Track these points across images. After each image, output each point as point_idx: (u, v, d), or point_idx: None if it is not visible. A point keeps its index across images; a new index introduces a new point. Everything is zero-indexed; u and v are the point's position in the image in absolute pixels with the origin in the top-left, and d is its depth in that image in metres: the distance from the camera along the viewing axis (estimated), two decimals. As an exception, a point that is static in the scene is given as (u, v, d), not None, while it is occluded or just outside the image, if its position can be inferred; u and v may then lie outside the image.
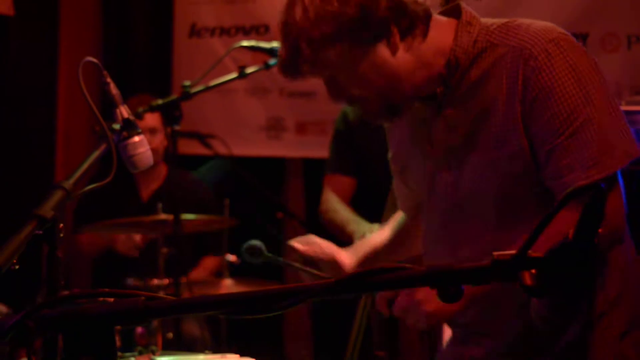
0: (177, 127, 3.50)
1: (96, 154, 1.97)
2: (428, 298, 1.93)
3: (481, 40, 2.01)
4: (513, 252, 1.17)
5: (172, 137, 3.54)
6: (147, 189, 4.69)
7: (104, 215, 4.27)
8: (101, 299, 1.32)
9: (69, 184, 1.82)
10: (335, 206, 3.80)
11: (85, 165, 1.91)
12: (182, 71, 5.33)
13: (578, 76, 1.91)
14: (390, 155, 2.36)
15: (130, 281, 4.15)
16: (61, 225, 1.76)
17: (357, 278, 1.21)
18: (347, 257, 2.41)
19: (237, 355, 2.40)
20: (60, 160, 5.43)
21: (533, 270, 1.18)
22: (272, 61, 3.62)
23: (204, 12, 5.35)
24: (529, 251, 1.17)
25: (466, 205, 2.07)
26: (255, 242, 2.85)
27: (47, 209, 1.72)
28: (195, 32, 5.39)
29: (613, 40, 4.24)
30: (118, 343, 3.79)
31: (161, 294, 3.83)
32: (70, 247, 4.90)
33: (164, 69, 5.50)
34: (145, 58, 5.67)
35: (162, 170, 4.69)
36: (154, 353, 2.50)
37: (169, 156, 4.71)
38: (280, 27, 1.97)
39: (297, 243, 2.46)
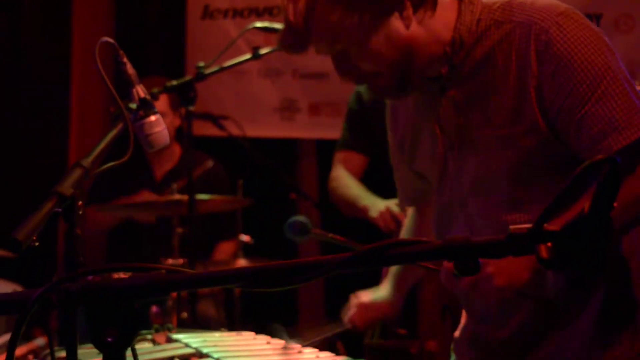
0: (191, 108, 3.52)
1: (114, 132, 1.97)
2: (498, 271, 1.89)
3: (484, 18, 2.01)
4: (529, 225, 1.18)
5: (187, 118, 3.56)
6: (161, 169, 4.72)
7: (118, 195, 4.31)
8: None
9: (87, 162, 1.83)
10: (347, 182, 3.81)
11: (102, 144, 1.91)
12: (196, 53, 5.32)
13: (593, 43, 1.91)
14: (393, 143, 2.35)
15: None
16: (80, 202, 1.78)
17: (376, 251, 1.23)
18: (391, 304, 2.53)
19: (253, 333, 2.43)
20: (74, 142, 5.45)
21: (549, 244, 1.20)
22: None
23: (216, -7, 5.38)
24: (545, 224, 1.19)
25: (479, 185, 2.05)
26: (301, 218, 2.74)
27: (67, 187, 1.73)
28: (208, 13, 5.38)
29: (628, 20, 4.23)
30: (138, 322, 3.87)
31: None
32: (84, 224, 4.94)
33: (178, 51, 5.51)
34: (158, 40, 5.68)
35: (176, 150, 4.72)
36: (170, 330, 2.51)
37: (183, 137, 4.75)
38: None
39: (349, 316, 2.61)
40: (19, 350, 3.56)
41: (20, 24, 5.10)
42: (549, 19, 1.91)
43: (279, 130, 5.24)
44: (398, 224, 3.47)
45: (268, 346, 2.31)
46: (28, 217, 1.64)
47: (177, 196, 3.91)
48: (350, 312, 2.63)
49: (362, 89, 3.94)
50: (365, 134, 3.88)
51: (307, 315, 5.35)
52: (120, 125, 2.02)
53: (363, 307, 2.61)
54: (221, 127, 4.57)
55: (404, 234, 2.54)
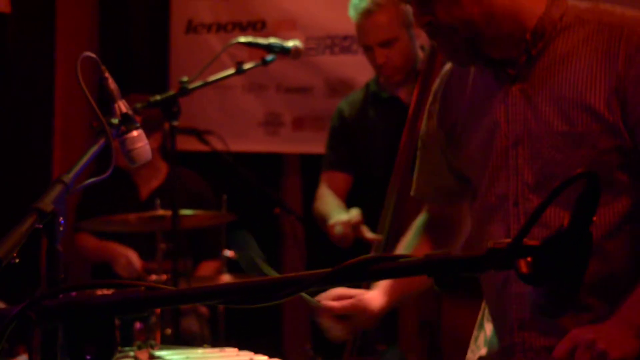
0: (175, 123, 3.50)
1: (95, 148, 1.97)
2: (612, 344, 1.84)
3: (570, 15, 2.01)
4: (508, 240, 1.18)
5: (171, 133, 3.55)
6: (147, 188, 4.72)
7: (103, 213, 4.30)
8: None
9: (68, 178, 1.83)
10: (326, 200, 3.82)
11: (84, 160, 1.91)
12: (179, 67, 5.32)
13: None
14: (435, 130, 2.27)
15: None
16: (61, 218, 1.78)
17: (356, 267, 1.22)
18: (376, 300, 2.28)
19: (236, 349, 2.42)
20: (57, 157, 5.43)
21: (529, 259, 1.21)
22: (269, 57, 3.65)
23: (200, 8, 5.37)
24: (525, 239, 1.19)
25: (546, 183, 2.01)
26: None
27: (47, 203, 1.72)
28: (192, 28, 5.39)
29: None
30: (118, 338, 3.84)
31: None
32: (71, 246, 4.93)
33: (161, 65, 5.52)
34: (142, 54, 5.68)
35: (163, 168, 4.71)
36: (152, 347, 2.51)
37: (169, 154, 4.75)
38: None
39: (328, 301, 2.26)
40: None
41: (4, 38, 5.08)
42: None
43: (263, 144, 5.24)
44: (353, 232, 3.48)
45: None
46: (7, 234, 1.64)
47: (161, 212, 3.90)
48: (328, 294, 2.29)
49: (344, 104, 3.97)
50: (347, 151, 3.89)
51: (291, 331, 5.35)
52: (101, 141, 2.02)
53: (346, 295, 2.27)
54: (205, 142, 4.58)
55: (410, 236, 2.45)
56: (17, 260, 1.72)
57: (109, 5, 5.66)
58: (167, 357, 2.30)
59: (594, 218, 1.19)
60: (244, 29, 5.19)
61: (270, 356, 2.25)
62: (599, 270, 1.95)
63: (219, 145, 4.47)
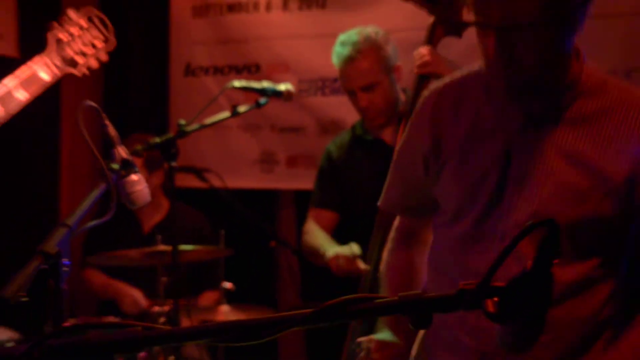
0: (174, 163, 3.53)
1: (96, 192, 2.03)
2: None
3: (593, 80, 2.01)
4: (476, 281, 1.23)
5: (170, 173, 3.57)
6: (149, 223, 4.75)
7: (108, 248, 4.33)
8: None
9: (71, 221, 1.88)
10: (315, 234, 3.85)
11: (86, 204, 1.97)
12: (179, 108, 5.37)
13: None
14: (436, 149, 2.18)
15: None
16: (65, 259, 1.82)
17: (335, 307, 1.26)
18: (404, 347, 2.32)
19: None
20: (65, 196, 5.47)
21: (495, 298, 1.25)
22: (262, 100, 3.69)
23: (198, 52, 5.39)
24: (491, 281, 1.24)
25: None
26: None
27: (51, 245, 1.78)
28: (190, 71, 5.42)
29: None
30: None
31: (162, 319, 3.87)
32: (79, 281, 4.96)
33: (162, 106, 5.54)
34: (143, 96, 5.70)
35: (164, 204, 4.75)
36: None
37: (169, 191, 4.79)
38: None
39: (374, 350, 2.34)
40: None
41: None
42: None
43: (258, 181, 5.24)
44: (352, 266, 3.51)
45: None
46: (15, 275, 1.69)
47: (162, 247, 3.92)
48: (366, 344, 2.37)
49: (332, 147, 4.00)
50: (334, 190, 3.92)
51: (287, 356, 5.36)
52: (103, 185, 2.07)
53: (380, 344, 2.35)
54: (203, 179, 4.56)
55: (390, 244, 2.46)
56: (25, 299, 1.77)
57: (111, 51, 5.70)
58: None
59: (555, 261, 1.24)
60: (239, 71, 5.22)
61: None
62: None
63: (216, 183, 4.44)
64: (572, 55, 2.00)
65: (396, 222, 2.43)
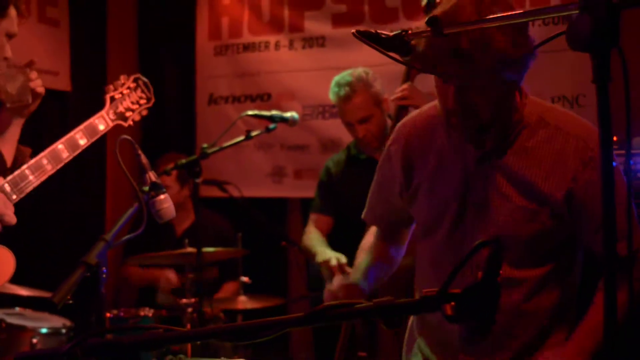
0: (197, 180, 3.55)
1: (130, 211, 2.05)
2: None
3: (535, 113, 2.00)
4: (437, 289, 1.25)
5: (194, 188, 3.60)
6: (181, 227, 4.79)
7: (147, 248, 4.36)
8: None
9: (109, 236, 1.91)
10: (312, 235, 3.84)
11: (121, 221, 1.99)
12: (204, 131, 5.40)
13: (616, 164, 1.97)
14: (407, 179, 2.17)
15: (161, 297, 4.22)
16: (104, 268, 1.84)
17: (321, 312, 1.29)
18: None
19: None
20: (109, 215, 5.47)
21: (453, 303, 1.27)
22: (271, 126, 3.73)
23: (219, 84, 5.41)
24: (449, 289, 1.26)
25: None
26: None
27: (92, 257, 1.81)
28: (212, 100, 5.44)
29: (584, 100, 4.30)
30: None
31: (189, 310, 3.88)
32: (120, 275, 4.98)
33: (190, 130, 5.56)
34: (175, 122, 5.72)
35: (192, 212, 4.78)
36: (182, 358, 2.54)
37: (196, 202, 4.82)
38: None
39: (335, 289, 2.33)
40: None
41: (66, 114, 5.11)
42: (594, 139, 1.91)
43: (270, 191, 5.25)
44: (342, 271, 3.50)
45: None
46: (62, 283, 1.72)
47: (189, 249, 3.95)
48: (334, 285, 2.36)
49: (330, 163, 4.01)
50: (331, 200, 3.92)
51: (298, 342, 5.36)
52: (136, 205, 2.09)
53: (345, 285, 2.33)
54: (224, 190, 4.59)
55: (364, 250, 2.44)
56: (71, 302, 1.80)
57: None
58: None
59: (501, 272, 1.26)
60: (253, 100, 5.23)
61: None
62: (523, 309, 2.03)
63: (235, 193, 4.47)
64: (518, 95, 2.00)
65: (372, 235, 2.45)
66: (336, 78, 3.74)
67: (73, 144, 2.69)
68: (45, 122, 4.93)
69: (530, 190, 1.97)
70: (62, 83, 5.16)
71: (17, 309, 3.98)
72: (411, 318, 2.23)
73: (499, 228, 1.99)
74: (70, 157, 2.68)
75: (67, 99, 5.15)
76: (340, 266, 3.42)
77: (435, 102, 2.08)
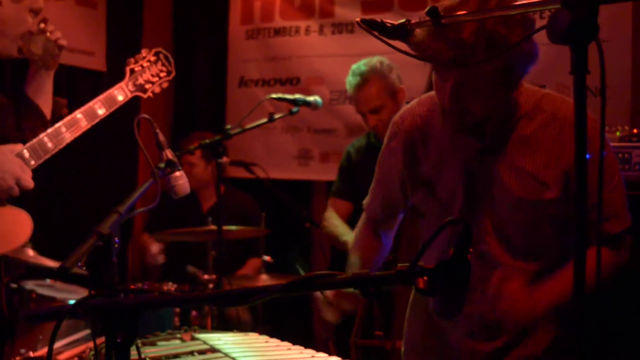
0: (219, 160, 3.61)
1: (145, 185, 2.11)
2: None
3: (530, 101, 2.02)
4: (408, 264, 1.32)
5: (217, 167, 3.65)
6: (207, 204, 4.90)
7: (173, 224, 4.47)
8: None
9: (122, 208, 1.98)
10: (334, 222, 3.87)
11: (136, 194, 2.05)
12: (234, 112, 5.48)
13: (609, 144, 2.06)
14: (410, 173, 2.19)
15: (190, 269, 4.33)
16: (116, 238, 1.94)
17: (305, 281, 1.37)
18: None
19: (257, 334, 2.39)
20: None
21: (425, 277, 1.35)
22: (294, 109, 3.74)
23: (250, 67, 5.49)
24: (422, 263, 1.33)
25: (499, 231, 2.04)
26: None
27: (105, 227, 1.88)
28: (243, 83, 5.53)
29: (564, 89, 4.33)
30: (178, 322, 4.00)
31: (210, 285, 3.98)
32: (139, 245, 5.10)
33: (220, 110, 5.63)
34: (206, 102, 5.80)
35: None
36: (195, 331, 2.58)
37: (223, 179, 4.90)
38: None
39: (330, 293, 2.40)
40: (67, 354, 3.67)
41: (100, 92, 5.22)
42: (589, 119, 1.90)
43: (297, 173, 5.32)
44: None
45: (267, 344, 2.32)
46: (75, 250, 1.82)
47: (212, 227, 4.03)
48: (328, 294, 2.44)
49: (351, 148, 4.03)
50: (351, 185, 3.92)
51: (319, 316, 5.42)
52: (150, 180, 2.17)
53: (339, 293, 2.42)
54: (251, 172, 4.62)
55: (354, 249, 2.47)
56: (84, 268, 1.90)
57: (182, 66, 5.77)
58: (204, 339, 2.32)
59: (470, 249, 1.33)
60: (283, 84, 5.31)
61: (298, 338, 2.33)
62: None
63: (262, 174, 4.51)
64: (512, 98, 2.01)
65: (362, 225, 2.46)
66: (353, 67, 3.77)
67: (92, 114, 2.79)
68: (80, 101, 5.03)
69: (531, 180, 2.01)
70: (98, 63, 5.30)
71: (48, 280, 4.10)
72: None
73: (501, 218, 2.03)
74: (89, 126, 2.78)
75: (102, 79, 5.27)
76: None
77: (433, 93, 2.11)
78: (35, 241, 3.99)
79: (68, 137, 2.72)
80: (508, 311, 1.96)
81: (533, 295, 1.98)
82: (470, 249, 1.32)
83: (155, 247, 4.65)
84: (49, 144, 2.68)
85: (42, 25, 2.79)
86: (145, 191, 2.13)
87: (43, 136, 2.68)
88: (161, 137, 2.28)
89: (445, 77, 1.93)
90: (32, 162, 2.64)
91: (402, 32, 1.89)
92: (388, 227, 2.42)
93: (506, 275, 2.00)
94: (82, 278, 1.93)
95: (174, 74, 3.01)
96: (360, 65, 3.75)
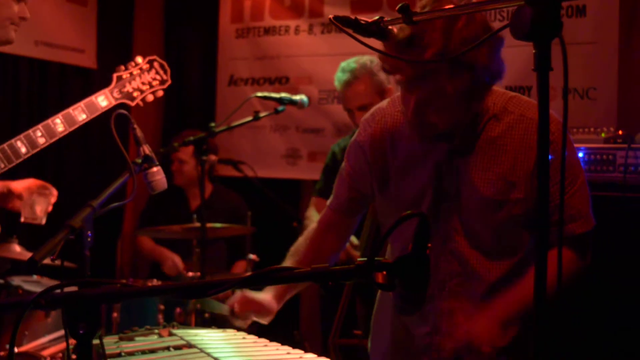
0: (204, 157, 3.58)
1: (120, 180, 2.11)
2: (482, 340, 1.96)
3: (498, 104, 2.02)
4: (366, 259, 1.32)
5: (201, 164, 3.63)
6: (195, 201, 4.89)
7: (162, 221, 4.46)
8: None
9: (96, 202, 1.99)
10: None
11: (110, 189, 2.05)
12: (223, 111, 5.48)
13: (572, 145, 2.05)
14: (377, 172, 2.18)
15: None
16: (89, 232, 1.93)
17: (264, 274, 1.38)
18: (269, 303, 2.31)
19: (235, 330, 2.40)
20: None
21: (384, 272, 1.35)
22: (280, 107, 3.69)
23: (240, 66, 5.49)
24: (380, 258, 1.33)
25: (465, 230, 2.04)
26: None
27: (77, 221, 1.89)
28: (233, 81, 5.53)
29: (551, 91, 4.33)
30: (161, 320, 3.99)
31: (195, 283, 3.96)
32: (135, 246, 5.10)
33: (210, 109, 5.63)
34: (197, 101, 5.80)
35: (208, 187, 4.88)
36: (173, 327, 2.57)
37: (212, 178, 4.92)
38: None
39: (236, 304, 2.31)
40: (52, 350, 3.66)
41: (91, 91, 5.17)
42: (554, 123, 1.94)
43: (285, 172, 5.32)
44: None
45: (244, 340, 2.32)
46: (45, 243, 1.82)
47: (197, 224, 4.04)
48: (233, 298, 2.33)
49: (336, 148, 4.02)
50: None
51: (306, 316, 5.45)
52: (126, 175, 2.16)
53: (245, 298, 2.31)
54: (239, 170, 4.64)
55: (307, 238, 2.43)
56: (57, 262, 1.90)
57: (172, 64, 5.75)
58: (181, 334, 2.31)
59: (429, 244, 1.33)
60: (272, 83, 5.32)
61: (287, 335, 2.32)
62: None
63: (250, 173, 4.52)
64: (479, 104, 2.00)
65: (322, 215, 2.42)
66: (342, 64, 3.77)
67: (70, 119, 2.74)
68: (70, 98, 5.05)
69: (499, 180, 2.02)
70: (88, 61, 5.31)
71: (35, 276, 4.11)
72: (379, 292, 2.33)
73: (469, 217, 2.04)
74: (66, 132, 2.74)
75: (93, 77, 5.28)
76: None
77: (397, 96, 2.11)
78: (22, 237, 4.02)
79: (42, 142, 2.68)
80: (470, 342, 1.98)
81: (487, 314, 2.00)
82: (429, 244, 1.32)
83: (177, 259, 4.63)
84: (22, 149, 2.65)
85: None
86: (120, 186, 2.13)
87: (16, 140, 2.65)
88: (139, 133, 2.27)
89: (408, 92, 1.95)
90: (2, 165, 2.61)
91: (375, 30, 1.90)
92: (348, 229, 2.39)
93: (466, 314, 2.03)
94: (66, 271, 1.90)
95: (169, 82, 2.95)
96: (350, 62, 3.75)
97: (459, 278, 2.09)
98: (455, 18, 1.84)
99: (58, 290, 1.41)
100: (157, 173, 2.24)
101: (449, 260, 2.08)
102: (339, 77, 3.75)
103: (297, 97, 3.76)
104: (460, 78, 1.86)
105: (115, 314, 3.96)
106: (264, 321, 2.33)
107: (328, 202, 2.40)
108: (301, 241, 2.42)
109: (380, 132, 2.17)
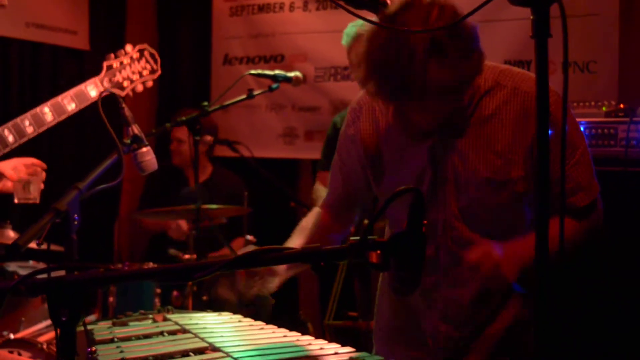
0: (197, 137, 3.54)
1: (107, 162, 2.04)
2: (508, 270, 1.91)
3: (490, 79, 1.96)
4: (358, 238, 1.28)
5: (194, 144, 3.58)
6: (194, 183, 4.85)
7: (162, 200, 4.42)
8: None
9: (82, 184, 1.92)
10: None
11: (97, 171, 1.98)
12: (218, 91, 5.42)
13: (573, 117, 1.98)
14: (372, 162, 2.12)
15: (172, 251, 4.28)
16: (75, 215, 1.87)
17: (253, 255, 1.33)
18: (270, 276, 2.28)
19: (230, 313, 2.38)
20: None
21: (378, 251, 1.30)
22: (274, 85, 3.63)
23: (234, 45, 5.45)
24: (374, 237, 1.28)
25: (465, 215, 1.99)
26: None
27: (62, 204, 1.81)
28: (227, 60, 5.49)
29: (550, 65, 4.27)
30: (158, 303, 3.95)
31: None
32: (135, 225, 5.07)
33: (205, 87, 5.60)
34: (191, 80, 5.77)
35: (208, 168, 4.86)
36: (167, 311, 2.54)
37: (213, 158, 4.87)
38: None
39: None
40: (48, 336, 3.63)
41: (83, 72, 5.13)
42: (551, 95, 1.84)
43: (281, 152, 5.30)
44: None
45: (239, 324, 2.28)
46: (30, 227, 1.76)
47: (193, 206, 3.99)
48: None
49: (337, 118, 3.98)
50: None
51: (305, 298, 5.43)
52: (114, 156, 2.10)
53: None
54: (235, 150, 4.59)
55: (310, 227, 2.40)
56: (43, 246, 1.84)
57: (165, 43, 5.78)
58: (175, 319, 2.28)
59: (424, 222, 1.28)
60: (267, 61, 5.27)
61: (284, 319, 2.30)
62: None
63: (246, 153, 4.48)
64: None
65: (318, 217, 2.38)
66: (350, 24, 3.66)
67: (59, 109, 2.68)
68: (63, 79, 5.01)
69: (497, 159, 1.96)
70: (81, 42, 5.25)
71: (31, 262, 4.08)
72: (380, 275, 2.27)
73: (469, 200, 1.98)
74: (55, 122, 2.69)
75: (85, 58, 5.22)
76: None
77: None
78: (17, 223, 3.98)
79: (30, 131, 2.63)
80: (482, 256, 1.92)
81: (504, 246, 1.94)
82: (425, 222, 1.27)
83: (181, 222, 4.58)
84: (10, 138, 2.60)
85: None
86: (108, 167, 2.07)
87: (3, 128, 2.59)
88: (127, 112, 2.22)
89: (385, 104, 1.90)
90: None
91: (369, 2, 1.84)
92: (344, 224, 2.34)
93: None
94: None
95: (159, 72, 2.90)
96: (358, 22, 3.66)
97: (462, 265, 2.02)
98: (428, 11, 1.78)
99: (44, 275, 1.37)
100: (147, 154, 2.19)
101: (450, 247, 2.03)
102: (346, 32, 3.63)
103: (291, 74, 3.71)
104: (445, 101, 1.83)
105: (111, 299, 3.92)
106: (268, 289, 2.30)
107: (321, 202, 2.35)
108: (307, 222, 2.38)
109: (370, 122, 2.10)
